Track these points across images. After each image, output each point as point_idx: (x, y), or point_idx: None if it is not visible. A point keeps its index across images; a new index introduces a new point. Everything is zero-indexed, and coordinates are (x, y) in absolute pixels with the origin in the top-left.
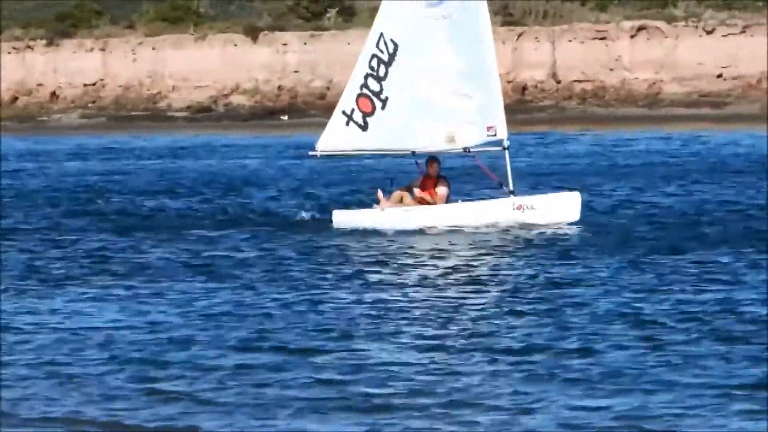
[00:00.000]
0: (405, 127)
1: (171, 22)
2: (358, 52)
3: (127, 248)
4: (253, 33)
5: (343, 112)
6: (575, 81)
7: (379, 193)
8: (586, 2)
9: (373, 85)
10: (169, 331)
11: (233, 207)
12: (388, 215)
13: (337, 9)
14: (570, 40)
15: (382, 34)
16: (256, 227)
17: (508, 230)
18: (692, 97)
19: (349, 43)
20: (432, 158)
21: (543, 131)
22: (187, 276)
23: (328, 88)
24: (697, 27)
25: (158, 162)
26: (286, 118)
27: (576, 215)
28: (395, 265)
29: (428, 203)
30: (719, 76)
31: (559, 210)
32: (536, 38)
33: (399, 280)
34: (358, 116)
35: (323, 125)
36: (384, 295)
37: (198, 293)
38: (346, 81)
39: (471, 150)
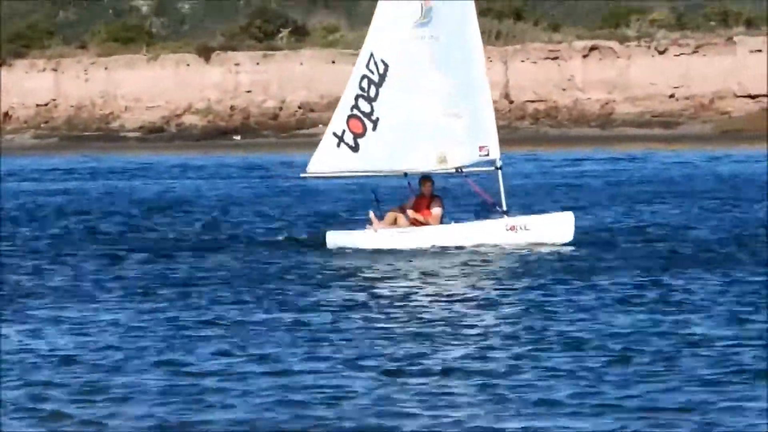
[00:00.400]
0: (396, 148)
1: (123, 42)
2: (311, 71)
3: (59, 268)
4: (205, 53)
5: (334, 134)
6: (528, 101)
7: (371, 215)
8: (539, 22)
9: (364, 106)
10: (78, 353)
11: (179, 227)
12: (381, 237)
13: (289, 29)
14: (522, 60)
15: (372, 54)
16: (202, 248)
17: (489, 252)
18: (645, 117)
19: (301, 63)
20: (425, 177)
21: None
22: (109, 296)
23: (280, 108)
24: (649, 47)
25: (108, 183)
26: (239, 138)
27: (570, 236)
28: (337, 287)
29: (422, 224)
30: (671, 96)
31: (552, 231)
32: (489, 58)
33: (337, 303)
34: (349, 137)
35: (276, 145)
36: (317, 318)
37: (119, 314)
38: (299, 101)
39: (463, 170)
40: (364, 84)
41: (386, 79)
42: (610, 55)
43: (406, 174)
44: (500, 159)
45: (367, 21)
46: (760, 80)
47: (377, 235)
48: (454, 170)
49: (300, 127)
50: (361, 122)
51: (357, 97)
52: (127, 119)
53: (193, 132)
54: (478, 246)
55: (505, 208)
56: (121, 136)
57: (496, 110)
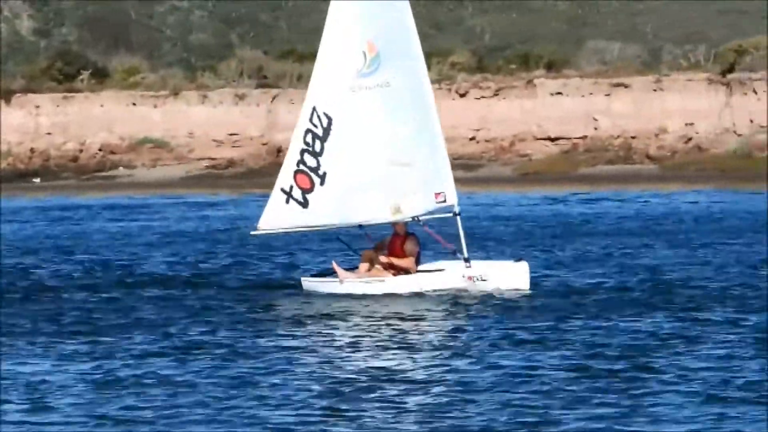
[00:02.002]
0: (347, 202)
1: None
2: (111, 113)
3: None
4: (6, 95)
5: (282, 190)
6: None
7: (334, 265)
8: None
9: (310, 161)
10: None
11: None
12: (347, 287)
13: (90, 71)
14: None
15: (314, 108)
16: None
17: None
18: None
19: (102, 105)
20: None
21: None
22: None
23: (81, 150)
24: (450, 89)
25: None
26: (38, 180)
27: (527, 284)
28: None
29: (396, 266)
30: (472, 138)
31: (509, 279)
32: (291, 101)
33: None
34: (297, 193)
35: (75, 187)
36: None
37: None
38: (99, 143)
39: (420, 218)
40: (309, 139)
41: (331, 132)
42: None
43: (361, 226)
44: (458, 204)
45: (168, 63)
46: (560, 123)
47: (344, 286)
48: (410, 219)
49: (100, 170)
50: (309, 177)
51: (302, 152)
52: None
53: None
54: (436, 294)
55: (466, 254)
56: None
57: None
